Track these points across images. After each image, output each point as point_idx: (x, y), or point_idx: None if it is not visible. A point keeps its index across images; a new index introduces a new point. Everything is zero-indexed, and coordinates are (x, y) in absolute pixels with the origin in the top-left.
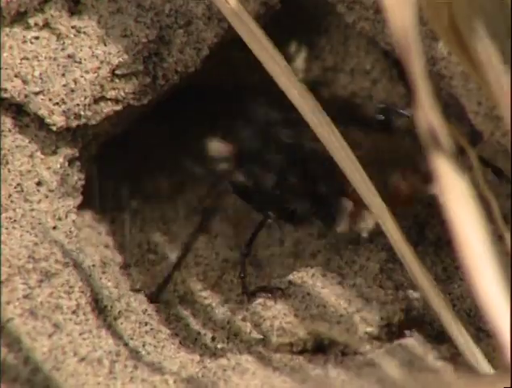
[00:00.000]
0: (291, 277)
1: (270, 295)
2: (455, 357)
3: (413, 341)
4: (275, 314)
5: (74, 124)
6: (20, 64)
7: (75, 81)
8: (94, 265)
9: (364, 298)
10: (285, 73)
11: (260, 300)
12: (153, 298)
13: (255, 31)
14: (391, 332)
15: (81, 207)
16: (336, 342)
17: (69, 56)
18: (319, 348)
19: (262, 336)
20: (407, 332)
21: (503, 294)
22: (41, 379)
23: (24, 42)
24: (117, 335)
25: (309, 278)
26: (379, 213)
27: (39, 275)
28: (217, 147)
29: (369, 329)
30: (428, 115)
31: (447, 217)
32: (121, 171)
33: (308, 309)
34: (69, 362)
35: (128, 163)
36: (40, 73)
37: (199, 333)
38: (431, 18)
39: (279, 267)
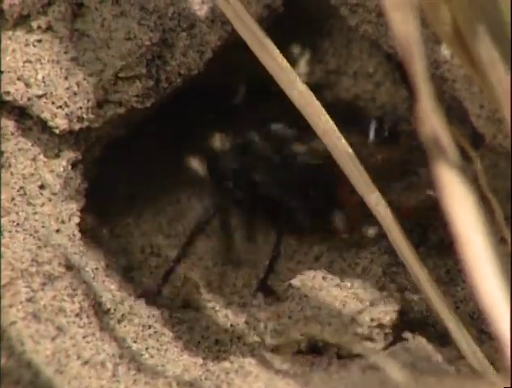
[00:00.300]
0: (292, 280)
1: (265, 297)
2: (458, 360)
3: (415, 343)
4: (270, 315)
5: (77, 127)
6: (23, 67)
7: (78, 84)
8: (97, 268)
9: (359, 300)
10: (288, 76)
11: (256, 301)
12: (153, 298)
13: (258, 33)
14: (384, 333)
15: (84, 210)
16: (329, 343)
17: (72, 60)
18: (313, 350)
19: (258, 338)
20: (409, 335)
21: (505, 297)
22: (44, 382)
23: (27, 45)
24: (120, 338)
25: (309, 280)
26: (381, 216)
27: (42, 278)
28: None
29: (359, 330)
30: (430, 117)
31: (450, 219)
32: (124, 174)
33: (303, 310)
34: (73, 365)
35: (131, 165)
36: (43, 77)
37: (202, 336)
38: (433, 21)
39: (283, 269)
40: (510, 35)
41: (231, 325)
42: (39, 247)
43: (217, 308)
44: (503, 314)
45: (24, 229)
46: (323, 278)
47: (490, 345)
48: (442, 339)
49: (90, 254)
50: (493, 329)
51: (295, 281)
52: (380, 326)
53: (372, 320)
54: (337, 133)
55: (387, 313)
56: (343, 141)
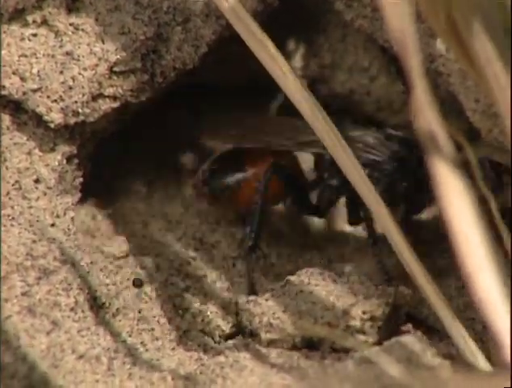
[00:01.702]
0: (290, 277)
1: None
2: (453, 354)
3: (410, 338)
4: (265, 310)
5: (72, 121)
6: (18, 61)
7: (73, 78)
8: (92, 262)
9: (353, 294)
10: (283, 71)
11: (252, 297)
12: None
13: (253, 28)
14: (377, 326)
15: (79, 204)
16: (323, 337)
17: (67, 54)
18: (308, 344)
19: (253, 333)
20: (404, 329)
21: (502, 293)
22: (39, 376)
23: (22, 39)
24: (115, 333)
25: (307, 277)
26: (377, 211)
27: (37, 272)
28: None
29: (351, 323)
30: (426, 112)
31: (445, 213)
32: (120, 167)
33: (298, 306)
34: (68, 359)
35: (127, 159)
36: (38, 71)
37: (197, 330)
38: (429, 15)
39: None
40: (506, 29)
41: (226, 320)
42: (34, 241)
43: (213, 302)
44: (499, 309)
45: (19, 223)
46: (320, 274)
47: (485, 340)
48: (436, 333)
49: (84, 248)
50: (490, 325)
51: (293, 278)
52: (373, 318)
53: (364, 313)
54: (332, 127)
55: (379, 306)
56: (338, 134)
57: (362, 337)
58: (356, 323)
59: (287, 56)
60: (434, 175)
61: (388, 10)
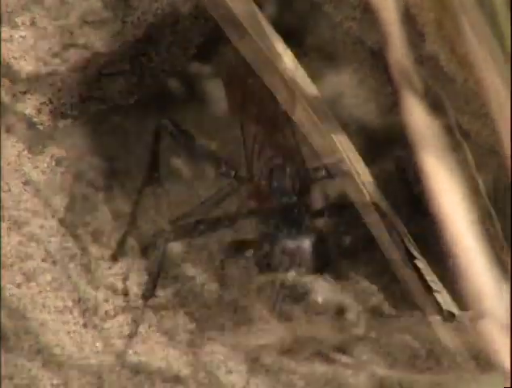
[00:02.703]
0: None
1: None
2: (444, 355)
3: (401, 339)
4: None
5: (61, 123)
6: (8, 63)
7: (62, 80)
8: (81, 264)
9: (344, 294)
10: (272, 73)
11: (244, 300)
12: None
13: (242, 30)
14: (369, 326)
15: (68, 205)
16: (313, 338)
17: (56, 56)
18: (299, 346)
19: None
20: (390, 326)
21: (497, 288)
22: (28, 379)
23: (11, 41)
24: (104, 335)
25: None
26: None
27: (26, 274)
28: None
29: (343, 323)
30: (415, 113)
31: (437, 213)
32: (108, 168)
33: (292, 310)
34: (57, 362)
35: (116, 160)
36: (27, 73)
37: (186, 331)
38: (419, 16)
39: None
40: (496, 30)
41: (214, 320)
42: (23, 243)
43: (201, 304)
44: (496, 306)
45: (8, 225)
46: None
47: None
48: (421, 329)
49: (74, 249)
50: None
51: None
52: (362, 312)
53: (356, 315)
54: (321, 128)
55: (370, 305)
56: (330, 136)
57: (355, 330)
58: (349, 316)
59: (276, 58)
60: (426, 173)
61: (377, 11)
